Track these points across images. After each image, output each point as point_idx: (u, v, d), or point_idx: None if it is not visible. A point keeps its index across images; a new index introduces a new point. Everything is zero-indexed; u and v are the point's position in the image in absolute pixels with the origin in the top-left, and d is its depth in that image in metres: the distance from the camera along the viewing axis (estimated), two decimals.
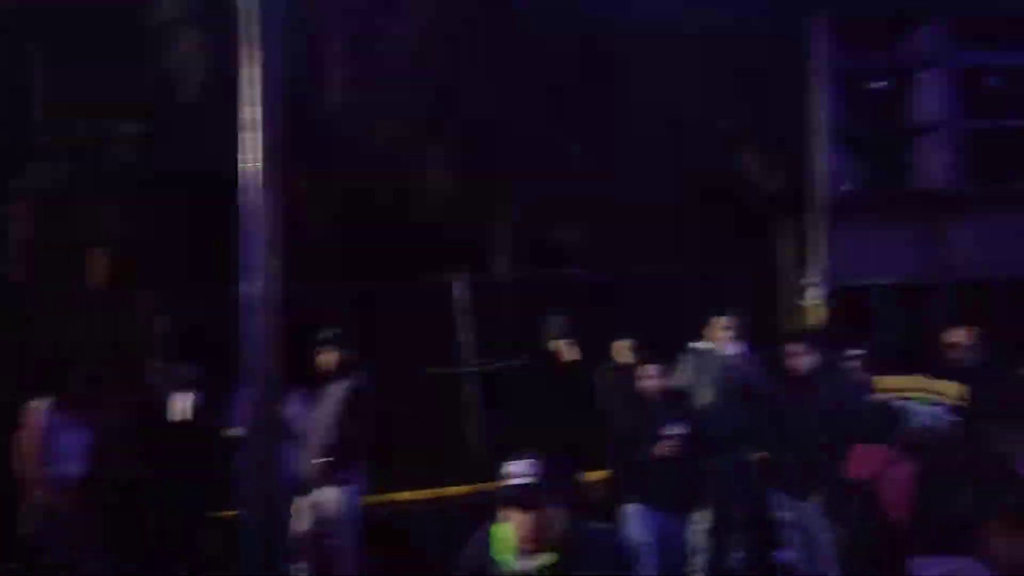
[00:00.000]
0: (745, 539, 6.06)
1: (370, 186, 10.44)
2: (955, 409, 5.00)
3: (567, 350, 6.50)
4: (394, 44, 8.96)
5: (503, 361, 8.38)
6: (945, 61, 5.83)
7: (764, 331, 6.88)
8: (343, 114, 7.67)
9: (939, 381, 5.46)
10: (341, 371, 5.49)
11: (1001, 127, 6.12)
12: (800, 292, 6.57)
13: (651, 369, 5.44)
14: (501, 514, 2.65)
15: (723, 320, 5.81)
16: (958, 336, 5.60)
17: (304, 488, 5.57)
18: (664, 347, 6.39)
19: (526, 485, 2.57)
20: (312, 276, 8.10)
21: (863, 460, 4.46)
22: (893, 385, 5.60)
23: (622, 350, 6.76)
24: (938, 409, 5.18)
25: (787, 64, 6.74)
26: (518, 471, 2.60)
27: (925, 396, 5.45)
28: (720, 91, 10.36)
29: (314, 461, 5.46)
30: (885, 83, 5.95)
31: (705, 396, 5.81)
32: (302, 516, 5.51)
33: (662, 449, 5.11)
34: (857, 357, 5.63)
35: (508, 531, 2.65)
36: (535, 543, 2.58)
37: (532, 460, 2.64)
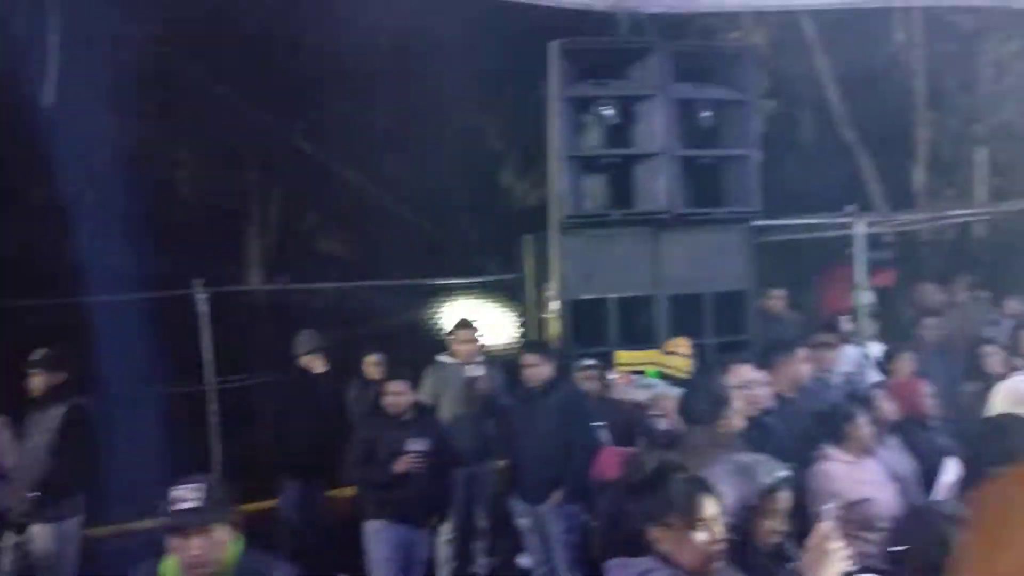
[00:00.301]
0: (488, 547, 6.25)
1: (103, 191, 9.68)
2: (682, 382, 5.46)
3: (316, 364, 6.38)
4: (130, 44, 8.40)
5: (249, 377, 8.06)
6: (663, 93, 6.32)
7: (501, 342, 7.12)
8: (66, 115, 7.02)
9: (670, 356, 5.94)
10: (53, 396, 5.01)
11: (711, 156, 6.74)
12: (541, 305, 6.88)
13: (396, 384, 5.47)
14: (168, 543, 2.53)
15: (465, 333, 5.95)
16: (676, 346, 6.12)
17: (11, 525, 5.05)
18: (413, 360, 6.46)
19: (190, 509, 2.47)
20: (32, 291, 7.36)
21: (610, 461, 4.74)
22: (628, 359, 5.99)
23: (370, 365, 6.75)
24: (665, 382, 5.64)
25: (533, 88, 7.06)
26: (182, 496, 2.49)
27: (656, 369, 5.90)
28: (482, 113, 10.72)
29: (22, 496, 4.96)
30: (613, 111, 6.36)
31: (448, 409, 5.93)
32: (5, 555, 4.99)
33: (403, 464, 5.14)
34: (590, 367, 5.96)
35: (174, 562, 2.53)
36: (202, 570, 2.49)
37: (197, 483, 2.54)
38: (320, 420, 6.14)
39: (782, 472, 2.91)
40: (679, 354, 6.02)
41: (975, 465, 3.02)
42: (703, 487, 2.45)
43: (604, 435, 5.37)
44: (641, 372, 6.03)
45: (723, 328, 6.75)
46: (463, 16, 9.14)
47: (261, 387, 7.59)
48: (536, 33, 6.81)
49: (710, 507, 2.40)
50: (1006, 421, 3.22)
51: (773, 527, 2.85)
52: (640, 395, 5.50)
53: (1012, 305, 7.95)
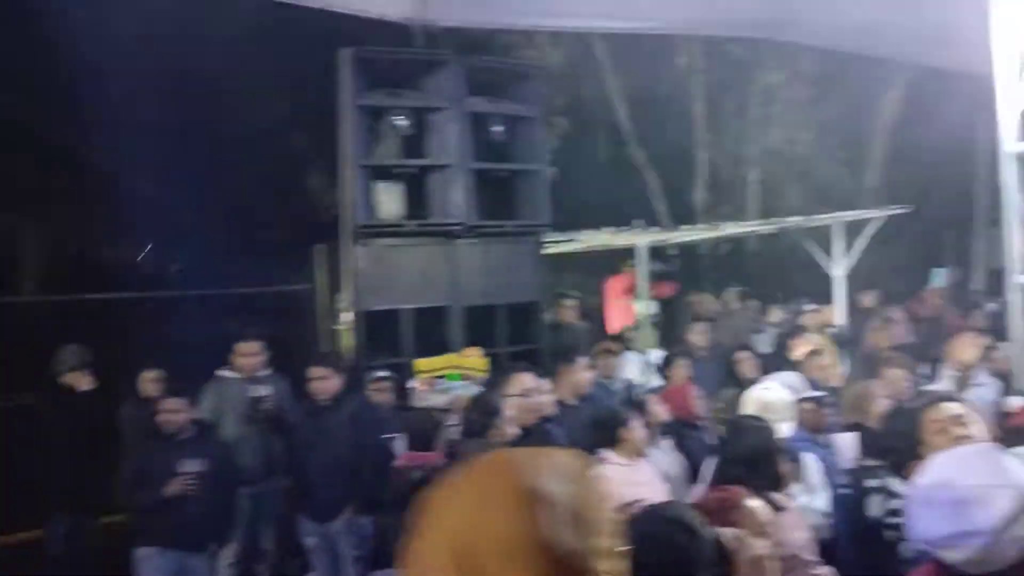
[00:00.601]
0: (274, 569, 6.02)
1: None
2: (482, 382, 5.52)
3: (82, 381, 5.91)
4: None
5: (12, 397, 7.37)
6: (456, 105, 6.40)
7: (299, 356, 6.94)
8: None
9: (468, 358, 5.99)
10: None
11: (503, 169, 6.89)
12: (333, 316, 6.75)
13: (172, 402, 5.20)
14: None
15: (248, 346, 5.72)
16: (469, 354, 6.19)
17: None
18: (195, 374, 6.13)
19: None
20: None
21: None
22: (428, 366, 6.00)
23: (147, 381, 6.35)
24: (466, 383, 5.68)
25: (326, 96, 6.92)
26: None
27: (456, 372, 5.93)
28: (287, 119, 10.38)
29: None
30: (407, 121, 6.35)
31: (231, 426, 5.67)
32: None
33: (176, 486, 4.87)
34: (382, 378, 5.90)
35: None
36: None
37: None
38: (87, 442, 5.69)
39: None
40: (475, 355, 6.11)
41: (720, 465, 3.26)
42: None
43: (399, 447, 5.33)
44: (442, 377, 6.05)
45: (516, 338, 6.90)
46: (262, 20, 8.86)
47: (25, 408, 6.95)
48: (338, 40, 6.70)
49: None
50: (746, 422, 3.50)
51: None
52: (439, 400, 5.52)
53: (776, 314, 8.69)
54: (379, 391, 5.78)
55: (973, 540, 1.53)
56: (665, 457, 4.88)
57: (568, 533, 1.09)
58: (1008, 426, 3.67)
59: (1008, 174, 5.22)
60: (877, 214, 9.44)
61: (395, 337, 6.47)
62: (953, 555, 1.57)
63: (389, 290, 6.48)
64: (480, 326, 6.68)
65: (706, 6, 7.20)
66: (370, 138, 6.42)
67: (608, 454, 4.49)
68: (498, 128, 6.76)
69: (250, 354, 5.69)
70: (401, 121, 6.29)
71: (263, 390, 5.65)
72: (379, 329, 6.45)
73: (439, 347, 6.51)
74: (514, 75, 7.22)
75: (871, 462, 3.60)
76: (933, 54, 8.01)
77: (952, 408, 2.93)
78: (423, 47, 6.86)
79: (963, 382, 5.29)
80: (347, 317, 6.43)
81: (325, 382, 5.32)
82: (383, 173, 6.53)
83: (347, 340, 6.48)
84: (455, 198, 6.46)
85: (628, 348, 7.62)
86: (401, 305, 6.50)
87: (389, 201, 6.50)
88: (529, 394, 4.32)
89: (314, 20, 7.29)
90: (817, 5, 6.70)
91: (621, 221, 8.85)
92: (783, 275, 10.93)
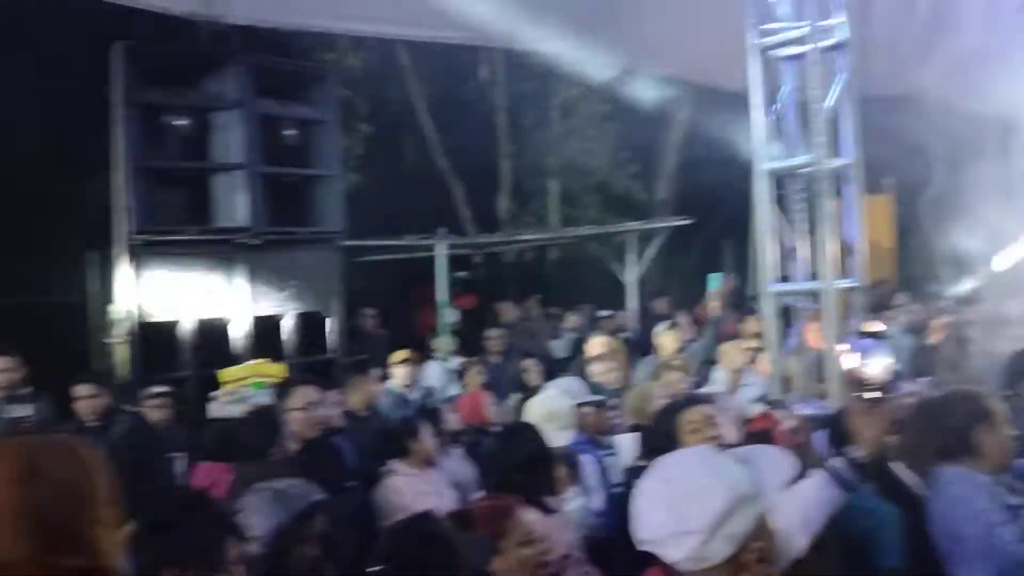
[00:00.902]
0: None
1: None
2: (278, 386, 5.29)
3: None
4: None
5: None
6: (244, 106, 6.13)
7: (68, 372, 6.38)
8: None
9: (269, 365, 5.73)
10: None
11: (295, 174, 6.66)
12: (106, 329, 6.26)
13: None
14: None
15: (1, 361, 5.18)
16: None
17: None
18: None
19: None
20: None
21: (207, 477, 4.39)
22: (231, 376, 5.69)
23: None
24: (265, 391, 5.41)
25: (94, 93, 6.41)
26: None
27: (260, 381, 5.64)
28: (44, 117, 9.47)
29: None
30: (188, 121, 6.00)
31: None
32: None
33: None
34: (160, 394, 5.53)
35: None
36: None
37: None
38: None
39: (316, 496, 2.88)
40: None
41: (493, 472, 3.27)
42: (227, 527, 2.27)
43: (180, 465, 5.02)
44: (247, 386, 5.75)
45: (309, 348, 6.69)
46: (32, 8, 8.12)
47: None
48: (124, 35, 6.22)
49: (232, 550, 2.23)
50: (517, 429, 3.54)
51: (307, 552, 2.80)
52: (235, 410, 5.24)
53: (573, 319, 8.95)
54: (156, 408, 5.42)
55: (688, 538, 1.59)
56: (456, 465, 4.86)
57: (60, 505, 1.31)
58: (748, 431, 3.92)
59: (761, 190, 5.60)
60: (666, 224, 9.97)
61: (174, 350, 6.10)
62: (671, 553, 1.62)
63: (168, 301, 6.09)
64: (269, 337, 6.42)
65: (502, 19, 7.30)
66: (148, 138, 6.01)
67: (397, 465, 4.42)
68: (290, 131, 6.53)
69: (3, 370, 5.15)
70: (180, 121, 5.92)
71: (22, 410, 5.13)
72: (157, 342, 6.05)
73: (223, 360, 6.19)
74: (308, 77, 7.01)
75: (644, 462, 3.74)
76: (714, 74, 8.54)
77: (705, 410, 3.08)
78: (208, 44, 6.51)
79: (734, 383, 5.63)
80: (122, 330, 5.98)
81: (91, 401, 4.91)
82: (162, 176, 6.13)
83: (122, 354, 6.03)
84: (242, 203, 6.17)
85: (430, 356, 7.59)
86: (181, 316, 6.13)
87: (168, 206, 6.12)
88: (312, 407, 4.16)
89: (93, 12, 6.76)
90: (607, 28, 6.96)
91: (426, 228, 8.80)
92: (581, 282, 11.28)
